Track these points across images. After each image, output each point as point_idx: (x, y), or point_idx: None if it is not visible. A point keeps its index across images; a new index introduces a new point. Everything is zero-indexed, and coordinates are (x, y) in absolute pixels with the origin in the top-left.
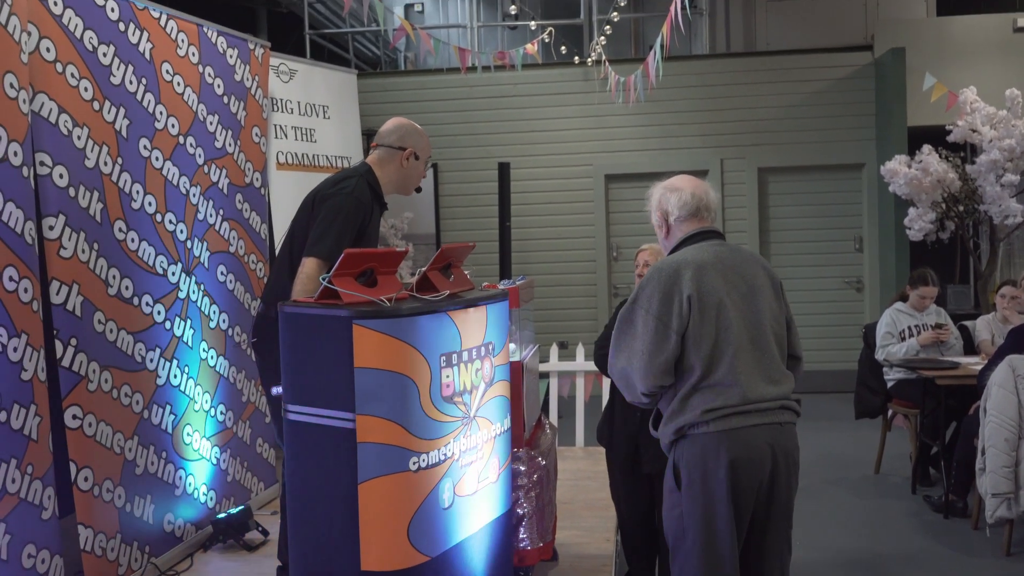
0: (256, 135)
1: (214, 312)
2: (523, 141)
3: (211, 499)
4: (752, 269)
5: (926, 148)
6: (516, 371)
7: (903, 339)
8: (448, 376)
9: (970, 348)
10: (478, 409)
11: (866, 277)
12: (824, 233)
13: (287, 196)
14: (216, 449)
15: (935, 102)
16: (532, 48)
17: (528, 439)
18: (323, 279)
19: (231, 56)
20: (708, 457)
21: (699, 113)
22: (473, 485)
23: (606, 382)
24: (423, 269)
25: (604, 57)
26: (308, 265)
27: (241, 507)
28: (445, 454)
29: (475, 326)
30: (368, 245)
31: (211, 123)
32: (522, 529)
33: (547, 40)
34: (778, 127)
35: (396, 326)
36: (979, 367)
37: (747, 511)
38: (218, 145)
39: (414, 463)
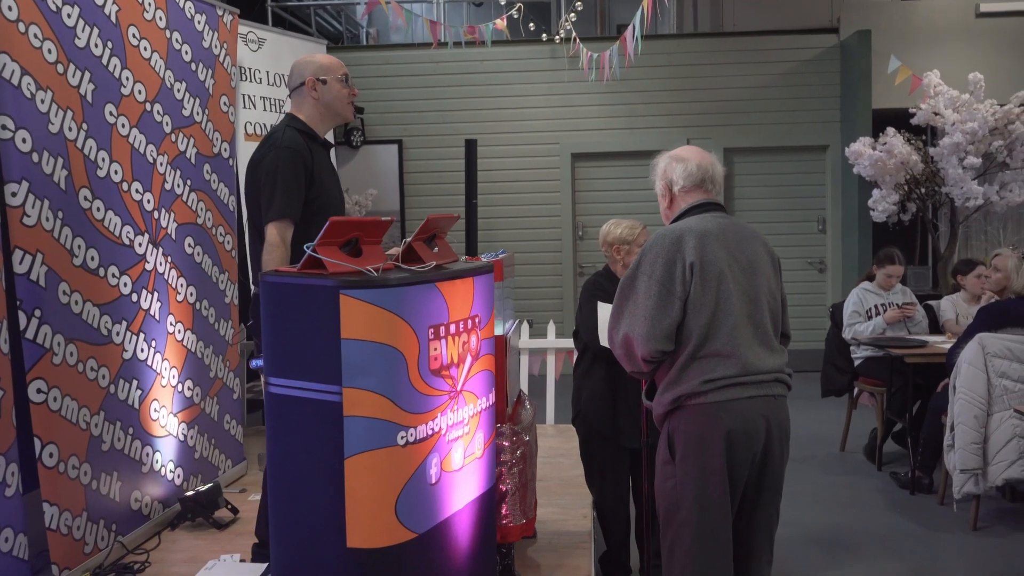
0: (224, 104)
1: (181, 285)
2: (489, 118)
3: (178, 476)
4: (753, 244)
5: (890, 130)
6: (500, 345)
7: (869, 317)
8: (436, 349)
9: (934, 327)
10: (464, 383)
11: (829, 258)
12: (788, 214)
13: None
14: (183, 425)
15: (899, 85)
16: (501, 23)
17: (510, 415)
18: (307, 248)
19: (199, 22)
20: (704, 428)
21: (666, 93)
22: (459, 461)
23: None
24: (407, 239)
25: (575, 35)
26: (269, 233)
27: (210, 484)
28: (432, 428)
29: (462, 298)
30: (326, 189)
31: (178, 90)
32: (505, 506)
33: (516, 16)
34: (744, 108)
35: (384, 296)
36: (946, 346)
37: (740, 483)
38: (185, 113)
39: (402, 438)
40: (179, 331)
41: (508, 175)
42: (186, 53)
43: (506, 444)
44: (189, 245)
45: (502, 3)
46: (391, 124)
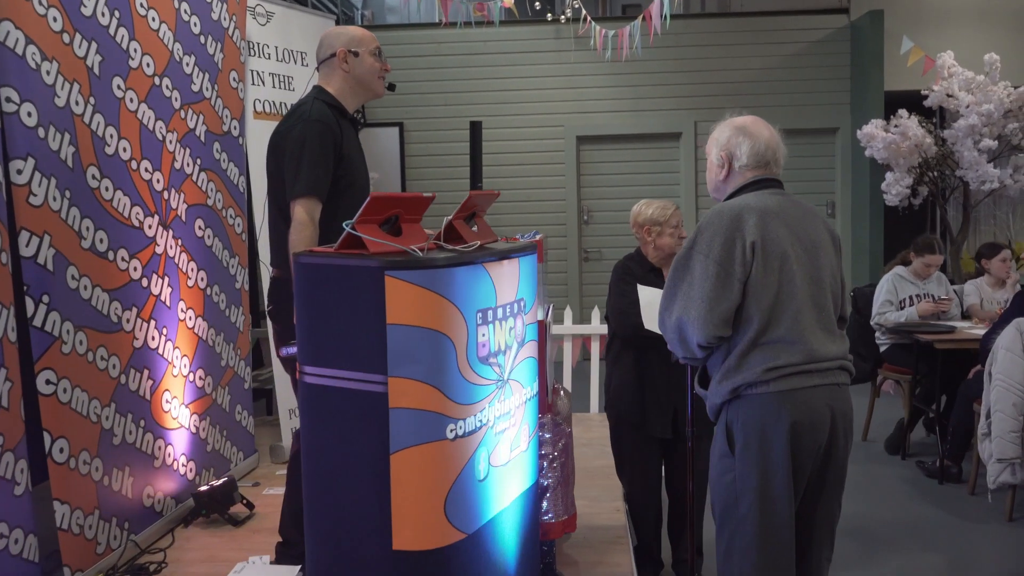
0: (234, 80)
1: (192, 269)
2: (492, 100)
3: (191, 471)
4: (814, 223)
5: (902, 112)
6: (541, 331)
7: (902, 307)
8: (484, 335)
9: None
10: (511, 371)
11: None
12: (798, 198)
13: (263, 147)
14: (195, 417)
15: (910, 67)
16: (509, 1)
17: (548, 405)
18: (346, 225)
19: None
20: (767, 419)
21: (673, 75)
22: (506, 454)
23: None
24: (448, 218)
25: (584, 13)
26: (297, 211)
27: (224, 479)
28: (481, 420)
29: (509, 280)
30: (353, 168)
31: (187, 64)
32: (546, 501)
33: None
34: (752, 90)
35: (432, 278)
36: (975, 331)
37: (804, 477)
38: (195, 89)
39: (451, 431)
40: (190, 318)
41: (511, 158)
42: (195, 25)
43: (548, 436)
44: (200, 228)
45: None
46: (392, 106)
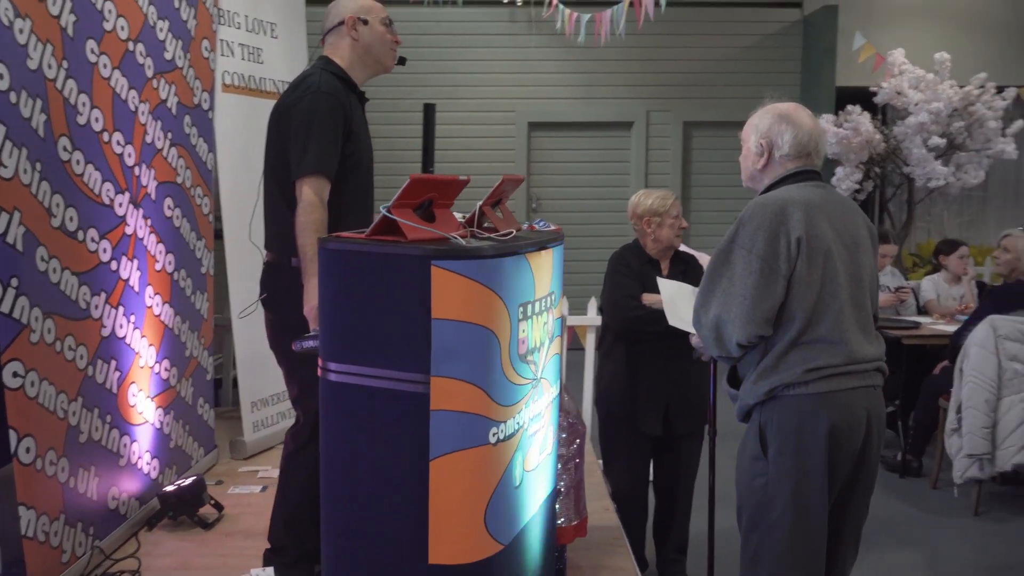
0: (206, 49)
1: (160, 252)
2: (444, 83)
3: (154, 469)
4: (855, 218)
5: (851, 108)
6: (562, 325)
7: None
8: (524, 330)
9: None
10: (543, 369)
11: None
12: (747, 190)
13: (232, 123)
14: (160, 411)
15: (861, 63)
16: None
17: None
18: (383, 208)
19: None
20: (805, 422)
21: (626, 63)
22: (536, 458)
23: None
24: (480, 203)
25: None
26: (304, 191)
27: (194, 478)
28: (519, 423)
29: (545, 272)
30: (360, 146)
31: (161, 30)
32: (559, 505)
33: None
34: (705, 81)
35: (481, 269)
36: (938, 326)
37: (839, 482)
38: (168, 57)
39: (494, 434)
40: (157, 304)
41: (462, 143)
42: None
43: (564, 436)
44: (169, 207)
45: None
46: None
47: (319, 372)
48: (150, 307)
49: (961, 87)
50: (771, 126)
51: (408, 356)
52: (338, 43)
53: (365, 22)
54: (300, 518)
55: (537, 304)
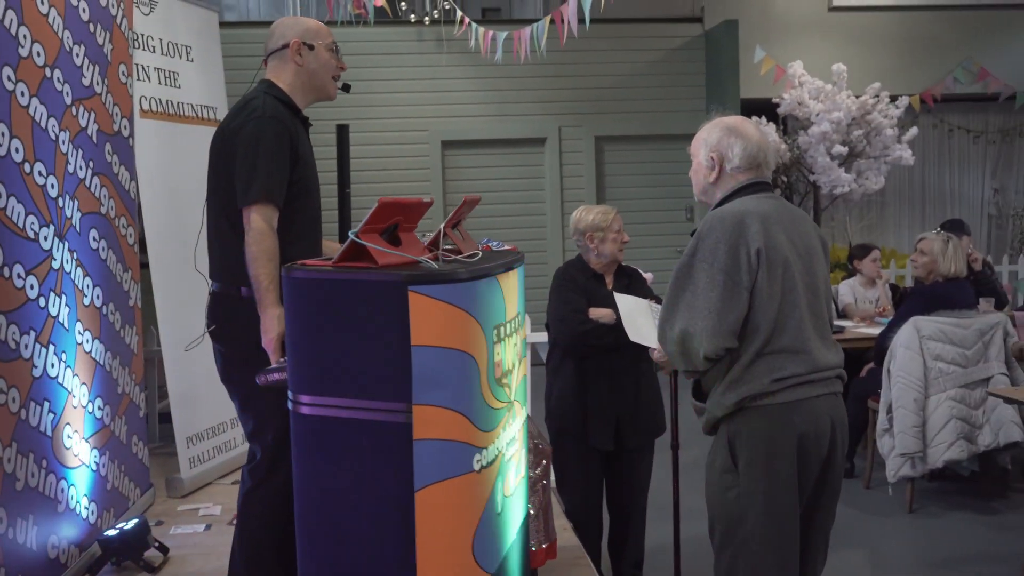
0: (123, 74)
1: (87, 286)
2: (356, 103)
3: (92, 513)
4: (807, 228)
5: (761, 119)
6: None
7: None
8: (499, 353)
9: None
10: (515, 391)
11: None
12: (657, 202)
13: (151, 149)
14: (95, 452)
15: (763, 75)
16: (381, 0)
17: None
18: (351, 234)
19: None
20: (775, 431)
21: (537, 79)
22: (513, 482)
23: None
24: (442, 225)
25: (461, 15)
26: (253, 219)
27: (136, 520)
28: (498, 448)
29: (513, 293)
30: (308, 172)
31: (77, 55)
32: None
33: None
34: (614, 96)
35: (458, 293)
36: (860, 329)
37: (807, 488)
38: (86, 83)
39: (478, 461)
40: (87, 341)
41: (376, 163)
42: (83, 11)
43: (531, 458)
44: (94, 239)
45: None
46: None
47: (289, 405)
48: (80, 344)
49: (857, 97)
50: (720, 139)
51: (388, 385)
52: (281, 67)
53: (311, 47)
54: (261, 556)
55: (508, 326)
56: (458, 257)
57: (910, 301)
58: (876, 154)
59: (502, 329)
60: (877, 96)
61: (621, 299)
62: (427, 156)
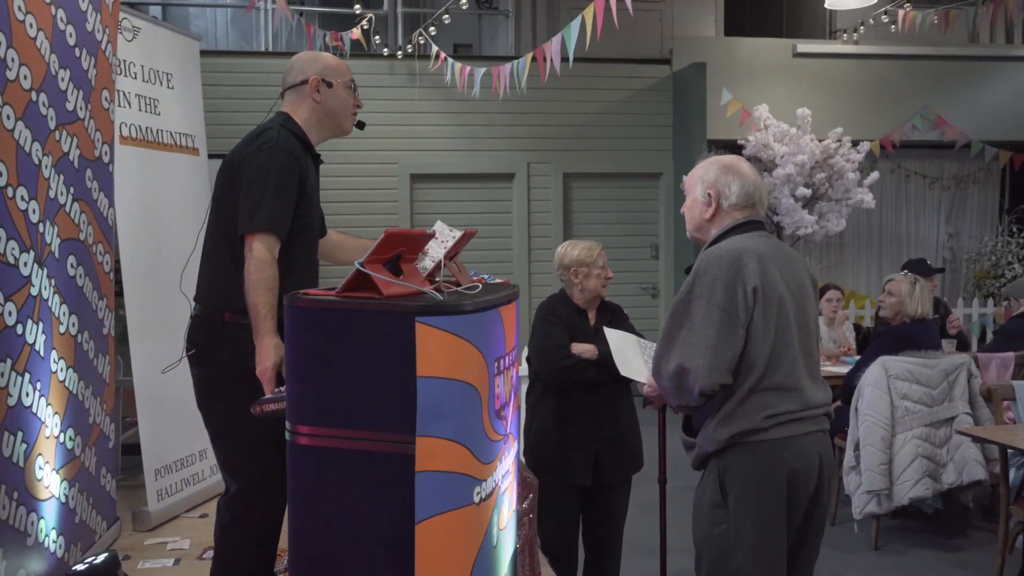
0: (105, 100)
1: (64, 314)
2: None
3: (60, 547)
4: (799, 267)
5: None
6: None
7: None
8: (499, 385)
9: None
10: (511, 423)
11: (661, 284)
12: (623, 240)
13: (129, 176)
14: (65, 484)
15: (729, 117)
16: (357, 33)
17: None
18: (357, 264)
19: (83, 0)
20: (766, 468)
21: (507, 115)
22: (507, 515)
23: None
24: (441, 257)
25: (437, 50)
26: (256, 247)
27: (106, 554)
28: (496, 480)
29: (511, 325)
30: (312, 208)
31: (63, 79)
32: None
33: (366, 27)
34: (582, 134)
35: (463, 325)
36: (827, 368)
37: (795, 525)
38: (69, 107)
39: (478, 493)
40: (61, 369)
41: (345, 195)
42: (70, 36)
43: (518, 491)
44: (72, 265)
45: (357, 12)
46: (223, 137)
47: (287, 436)
48: (55, 372)
49: (820, 141)
50: (718, 177)
51: (392, 416)
52: (298, 102)
53: (329, 84)
54: None
55: (507, 358)
56: (458, 289)
57: (878, 341)
58: (838, 197)
59: (501, 362)
60: (839, 140)
61: (611, 334)
62: (396, 189)
